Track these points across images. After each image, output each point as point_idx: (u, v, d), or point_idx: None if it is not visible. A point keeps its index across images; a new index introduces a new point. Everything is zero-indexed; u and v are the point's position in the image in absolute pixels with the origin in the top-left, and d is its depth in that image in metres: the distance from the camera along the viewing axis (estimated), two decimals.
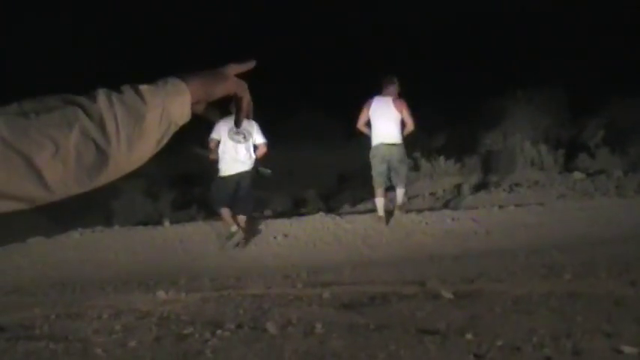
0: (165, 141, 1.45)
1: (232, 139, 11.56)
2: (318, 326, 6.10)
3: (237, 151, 11.61)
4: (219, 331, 6.13)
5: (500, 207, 12.60)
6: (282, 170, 19.77)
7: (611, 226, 10.98)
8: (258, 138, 11.70)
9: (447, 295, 7.10)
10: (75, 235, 12.82)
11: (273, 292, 7.98)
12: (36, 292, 9.51)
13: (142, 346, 5.94)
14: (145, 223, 14.01)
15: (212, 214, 12.97)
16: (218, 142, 11.65)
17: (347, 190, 18.46)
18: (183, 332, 6.22)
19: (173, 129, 1.46)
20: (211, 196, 12.28)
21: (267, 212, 15.58)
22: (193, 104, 1.48)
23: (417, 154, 16.88)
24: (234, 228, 11.93)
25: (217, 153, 11.69)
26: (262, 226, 12.48)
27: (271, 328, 6.12)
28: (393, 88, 12.31)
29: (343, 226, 12.22)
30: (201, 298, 7.82)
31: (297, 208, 16.68)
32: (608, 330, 5.38)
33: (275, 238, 12.00)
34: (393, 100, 12.23)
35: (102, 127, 1.33)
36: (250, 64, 1.62)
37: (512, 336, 5.45)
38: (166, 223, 13.39)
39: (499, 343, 5.27)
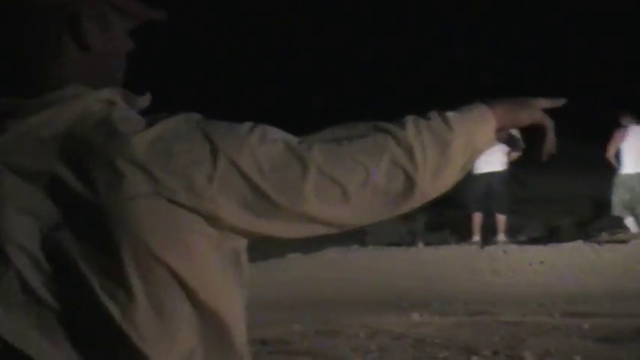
0: (468, 167, 1.46)
1: None
2: (577, 358, 5.92)
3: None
4: (474, 357, 6.08)
5: None
6: (537, 196, 19.43)
7: None
8: None
9: None
10: (331, 253, 13.14)
11: (530, 321, 7.80)
12: (294, 308, 9.80)
13: None
14: (399, 244, 14.13)
15: (465, 237, 12.92)
16: None
17: (605, 218, 17.75)
18: (439, 356, 6.23)
19: (477, 155, 1.46)
20: (466, 199, 12.67)
21: (522, 238, 15.27)
22: (496, 131, 1.48)
23: None
24: (475, 239, 12.53)
25: None
26: (517, 252, 12.26)
27: (529, 357, 6.00)
28: None
29: (602, 255, 11.76)
30: (455, 323, 7.79)
31: (552, 235, 16.24)
32: None
33: (530, 264, 11.72)
34: None
35: (410, 154, 1.34)
36: (559, 102, 1.60)
37: None
38: (420, 245, 13.46)
39: None
